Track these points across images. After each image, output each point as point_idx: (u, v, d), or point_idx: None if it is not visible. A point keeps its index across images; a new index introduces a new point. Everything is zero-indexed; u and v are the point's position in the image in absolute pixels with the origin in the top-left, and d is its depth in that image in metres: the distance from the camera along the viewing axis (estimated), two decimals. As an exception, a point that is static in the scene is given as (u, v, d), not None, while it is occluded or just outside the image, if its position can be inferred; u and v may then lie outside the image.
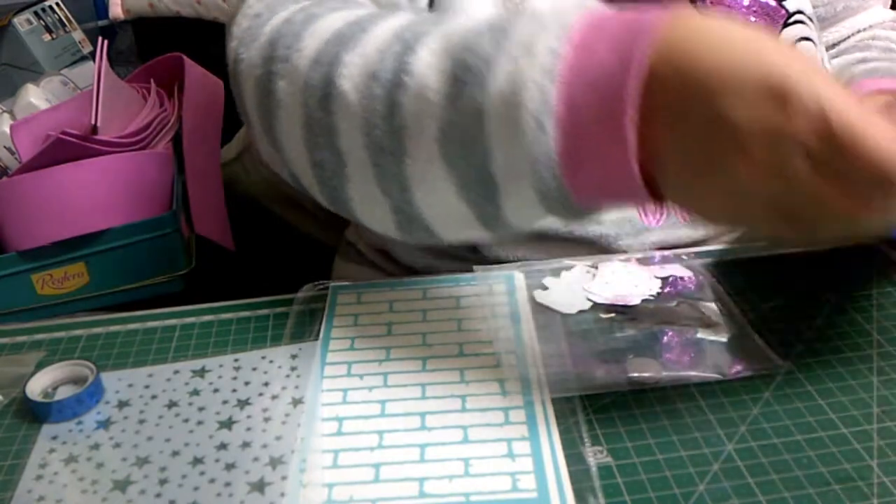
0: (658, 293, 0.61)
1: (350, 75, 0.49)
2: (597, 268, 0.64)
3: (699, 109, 0.40)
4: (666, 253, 0.67)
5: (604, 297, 0.61)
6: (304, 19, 0.53)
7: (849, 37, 0.83)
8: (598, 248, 0.70)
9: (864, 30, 0.83)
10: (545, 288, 0.63)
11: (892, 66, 0.75)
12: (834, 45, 0.83)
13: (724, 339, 0.56)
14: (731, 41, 0.40)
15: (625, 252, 0.70)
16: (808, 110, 0.38)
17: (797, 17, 0.72)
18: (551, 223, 0.64)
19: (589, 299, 0.61)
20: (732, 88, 0.39)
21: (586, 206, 0.46)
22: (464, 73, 0.45)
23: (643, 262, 0.65)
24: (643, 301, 0.61)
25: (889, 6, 0.86)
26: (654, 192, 0.44)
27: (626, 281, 0.63)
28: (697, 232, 0.71)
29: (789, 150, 0.38)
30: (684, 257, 0.65)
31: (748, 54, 0.39)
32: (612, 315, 0.60)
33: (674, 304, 0.60)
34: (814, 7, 0.79)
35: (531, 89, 0.42)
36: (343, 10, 0.54)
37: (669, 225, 0.71)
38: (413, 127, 0.47)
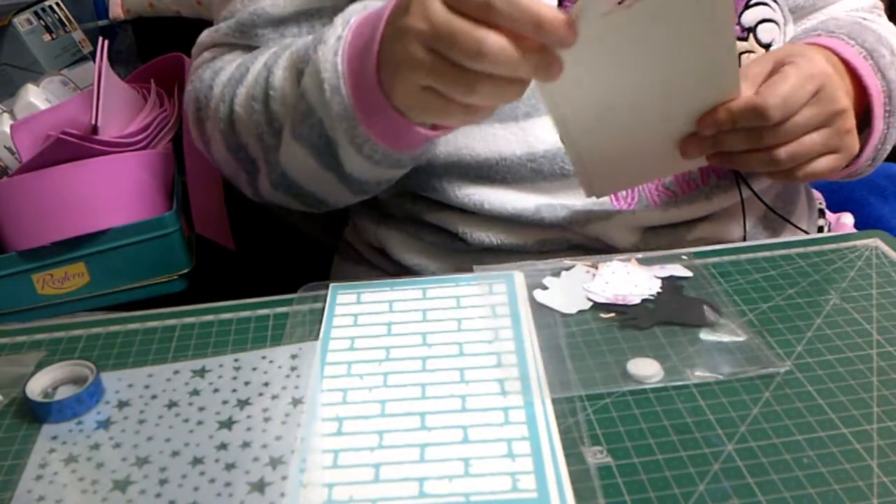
0: (658, 293, 0.61)
1: (240, 103, 0.69)
2: (597, 268, 0.64)
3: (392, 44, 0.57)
4: (666, 253, 0.67)
5: (604, 296, 0.61)
6: (211, 75, 0.73)
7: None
8: (569, 232, 0.72)
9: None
10: (545, 288, 0.63)
11: (839, 27, 0.75)
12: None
13: (725, 340, 0.56)
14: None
15: (595, 236, 0.71)
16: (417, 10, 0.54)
17: None
18: (514, 207, 0.71)
19: (589, 299, 0.61)
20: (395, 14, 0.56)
21: (391, 150, 0.63)
22: (300, 74, 0.64)
23: (643, 262, 0.65)
24: (643, 301, 0.61)
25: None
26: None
27: (626, 281, 0.63)
28: (668, 213, 0.72)
29: (412, 41, 0.54)
30: (684, 257, 0.65)
31: None
32: (612, 315, 0.60)
33: (674, 304, 0.60)
34: None
35: (327, 67, 0.61)
36: (237, 60, 0.73)
37: (641, 208, 0.71)
38: (283, 123, 0.66)
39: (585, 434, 0.49)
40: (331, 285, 0.65)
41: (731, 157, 0.66)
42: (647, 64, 0.58)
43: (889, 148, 0.74)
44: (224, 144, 0.72)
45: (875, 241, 0.67)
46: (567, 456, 0.48)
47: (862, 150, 0.71)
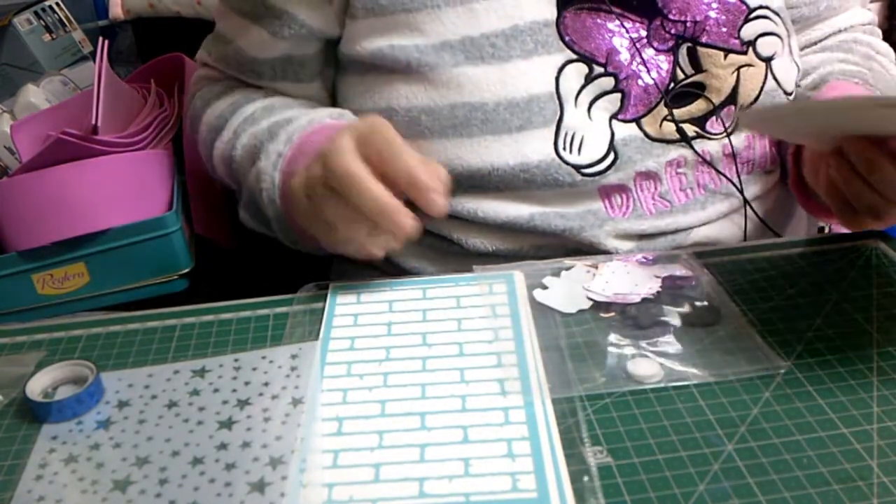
0: (658, 293, 0.61)
1: (216, 156, 0.79)
2: (597, 267, 0.64)
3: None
4: (666, 253, 0.67)
5: (604, 296, 0.61)
6: (201, 106, 0.82)
7: (830, 35, 0.84)
8: (564, 238, 0.72)
9: (845, 30, 0.84)
10: (545, 287, 0.63)
11: (864, 73, 0.77)
12: (815, 43, 0.84)
13: (725, 340, 0.56)
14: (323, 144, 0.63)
15: (590, 242, 0.71)
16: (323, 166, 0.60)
17: (759, 12, 0.73)
18: (508, 215, 0.72)
19: (589, 298, 0.61)
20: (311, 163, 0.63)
21: (312, 248, 0.72)
22: (253, 161, 0.73)
23: (643, 262, 0.65)
24: (643, 300, 0.61)
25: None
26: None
27: (627, 280, 0.63)
28: (663, 222, 0.72)
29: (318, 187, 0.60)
30: (684, 257, 0.65)
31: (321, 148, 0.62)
32: (613, 314, 0.60)
33: (674, 303, 0.60)
34: (796, 7, 0.80)
35: (266, 179, 0.71)
36: (223, 97, 0.81)
37: (636, 217, 0.71)
38: (241, 187, 0.76)
39: (585, 434, 0.49)
40: (331, 285, 0.65)
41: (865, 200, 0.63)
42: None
43: None
44: (212, 172, 0.82)
45: (875, 241, 0.67)
46: (567, 456, 0.48)
47: None
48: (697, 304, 0.60)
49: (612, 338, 0.57)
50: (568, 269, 0.65)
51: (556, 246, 0.72)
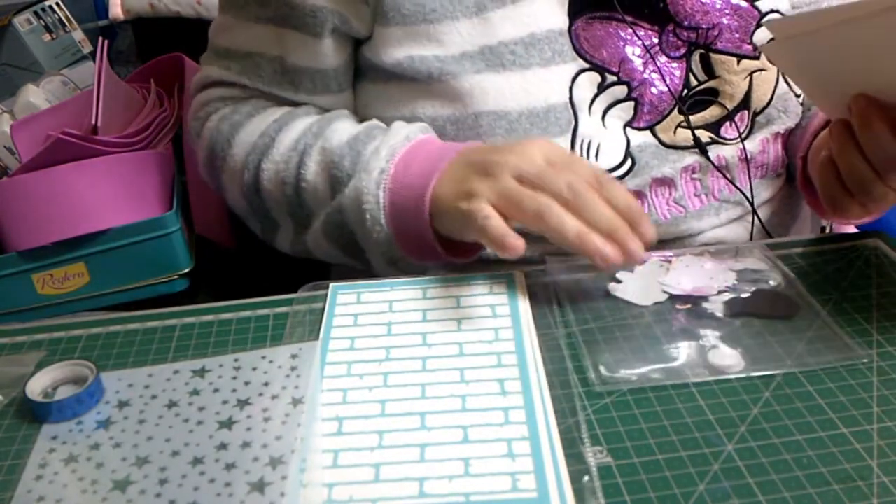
0: (734, 285, 0.61)
1: (268, 178, 0.72)
2: (670, 262, 0.64)
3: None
4: (741, 246, 0.67)
5: (680, 289, 0.61)
6: (229, 129, 0.75)
7: None
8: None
9: None
10: (619, 281, 0.63)
11: None
12: None
13: (805, 331, 0.56)
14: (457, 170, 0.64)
15: None
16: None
17: (770, 16, 0.73)
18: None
19: (665, 292, 0.61)
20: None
21: (420, 263, 0.69)
22: (336, 184, 0.68)
23: (717, 255, 0.65)
24: (719, 293, 0.61)
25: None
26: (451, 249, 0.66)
27: (702, 274, 0.63)
28: (677, 228, 0.72)
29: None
30: (758, 250, 0.65)
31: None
32: (689, 306, 0.60)
33: (750, 295, 0.60)
34: (798, 7, 0.79)
35: (369, 200, 0.66)
36: (256, 116, 0.75)
37: (650, 222, 0.71)
38: (313, 210, 0.71)
39: (585, 434, 0.49)
40: (331, 285, 0.65)
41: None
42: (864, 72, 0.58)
43: None
44: (245, 200, 0.75)
45: (875, 241, 0.67)
46: (567, 456, 0.47)
47: None
48: (774, 295, 0.60)
49: (691, 329, 0.57)
50: (641, 262, 0.64)
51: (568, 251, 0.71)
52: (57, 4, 1.35)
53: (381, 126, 0.71)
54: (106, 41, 0.88)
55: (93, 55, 1.17)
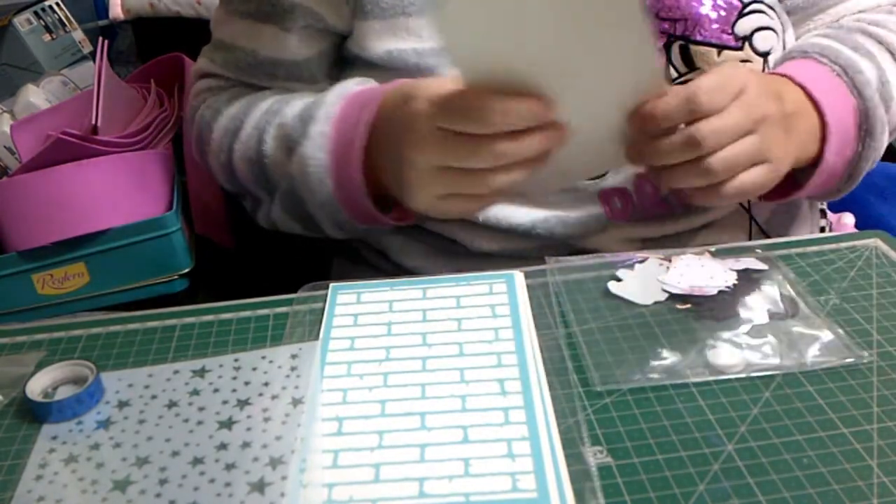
0: (734, 285, 0.61)
1: (238, 158, 0.75)
2: (670, 260, 0.64)
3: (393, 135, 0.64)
4: (741, 245, 0.67)
5: (680, 288, 0.61)
6: (210, 115, 0.79)
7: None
8: (567, 245, 0.72)
9: (852, 15, 0.79)
10: (619, 280, 0.63)
11: (812, 47, 0.72)
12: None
13: (805, 331, 0.56)
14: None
15: (594, 249, 0.71)
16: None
17: (754, 6, 0.72)
18: (509, 222, 0.71)
19: (665, 290, 0.61)
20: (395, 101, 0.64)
21: (368, 228, 0.73)
22: (288, 153, 0.71)
23: (717, 255, 0.65)
24: (720, 293, 0.61)
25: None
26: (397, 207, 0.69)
27: (702, 273, 0.63)
28: (665, 227, 0.72)
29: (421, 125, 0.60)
30: (759, 250, 0.65)
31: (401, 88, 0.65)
32: (689, 306, 0.60)
33: (751, 295, 0.60)
34: None
35: (311, 162, 0.69)
36: (233, 102, 0.78)
37: (637, 221, 0.71)
38: (276, 185, 0.74)
39: (585, 434, 0.49)
40: (331, 285, 0.65)
41: (667, 174, 0.62)
42: (554, 38, 0.55)
43: (867, 166, 0.71)
44: (227, 181, 0.80)
45: (875, 241, 0.67)
46: (567, 456, 0.47)
47: (816, 165, 0.68)
48: (774, 296, 0.60)
49: (691, 328, 0.57)
50: (641, 262, 0.65)
51: (561, 247, 0.72)
52: (57, 4, 1.35)
53: (332, 90, 0.72)
54: (106, 41, 0.88)
55: (93, 55, 1.17)
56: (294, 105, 0.72)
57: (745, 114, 0.61)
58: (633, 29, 0.56)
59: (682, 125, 0.60)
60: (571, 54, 0.56)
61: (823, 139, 0.67)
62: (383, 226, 0.72)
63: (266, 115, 0.74)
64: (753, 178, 0.62)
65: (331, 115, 0.69)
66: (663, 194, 0.71)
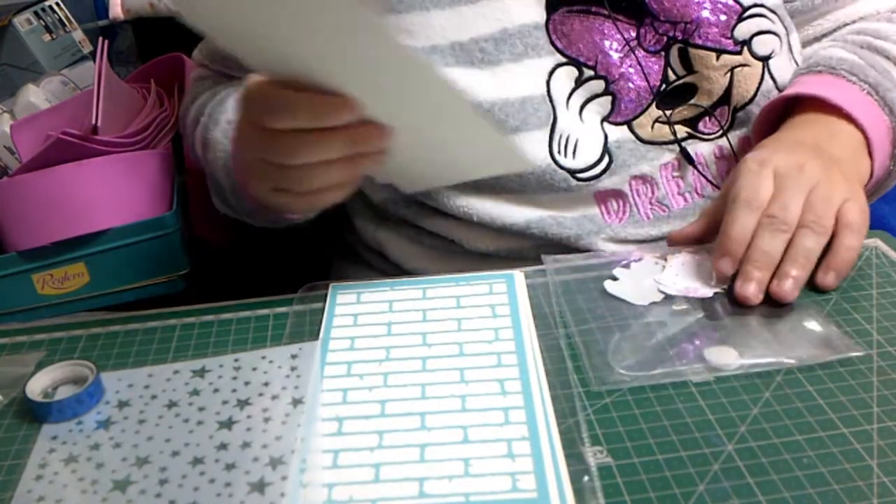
0: (730, 284, 0.61)
1: (197, 145, 0.79)
2: (665, 259, 0.64)
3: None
4: None
5: (676, 288, 0.61)
6: (188, 102, 0.84)
7: (834, 30, 0.80)
8: (563, 246, 0.72)
9: (853, 22, 0.79)
10: (615, 279, 0.63)
11: (840, 62, 0.72)
12: (819, 38, 0.80)
13: (805, 330, 0.56)
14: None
15: (589, 249, 0.71)
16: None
17: (754, 10, 0.72)
18: (503, 222, 0.71)
19: (661, 291, 0.61)
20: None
21: (264, 219, 0.75)
22: (204, 141, 0.75)
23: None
24: (715, 293, 0.61)
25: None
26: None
27: (698, 272, 0.63)
28: (660, 228, 0.72)
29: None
30: None
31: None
32: (686, 307, 0.60)
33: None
34: (789, 0, 0.77)
35: (218, 147, 0.73)
36: (208, 91, 0.82)
37: (632, 223, 0.71)
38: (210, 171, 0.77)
39: (585, 434, 0.49)
40: (331, 285, 0.65)
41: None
42: (291, 31, 0.51)
43: (892, 184, 0.72)
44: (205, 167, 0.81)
45: (875, 241, 0.67)
46: (567, 456, 0.48)
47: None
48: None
49: (688, 328, 0.57)
50: (637, 261, 0.65)
51: (558, 247, 0.72)
52: (57, 4, 1.34)
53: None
54: (106, 41, 0.88)
55: (93, 55, 1.17)
56: (233, 90, 0.76)
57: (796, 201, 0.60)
58: (371, 30, 0.50)
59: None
60: (331, 52, 0.52)
61: (870, 154, 0.68)
62: (284, 220, 0.72)
63: (212, 103, 0.78)
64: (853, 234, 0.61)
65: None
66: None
